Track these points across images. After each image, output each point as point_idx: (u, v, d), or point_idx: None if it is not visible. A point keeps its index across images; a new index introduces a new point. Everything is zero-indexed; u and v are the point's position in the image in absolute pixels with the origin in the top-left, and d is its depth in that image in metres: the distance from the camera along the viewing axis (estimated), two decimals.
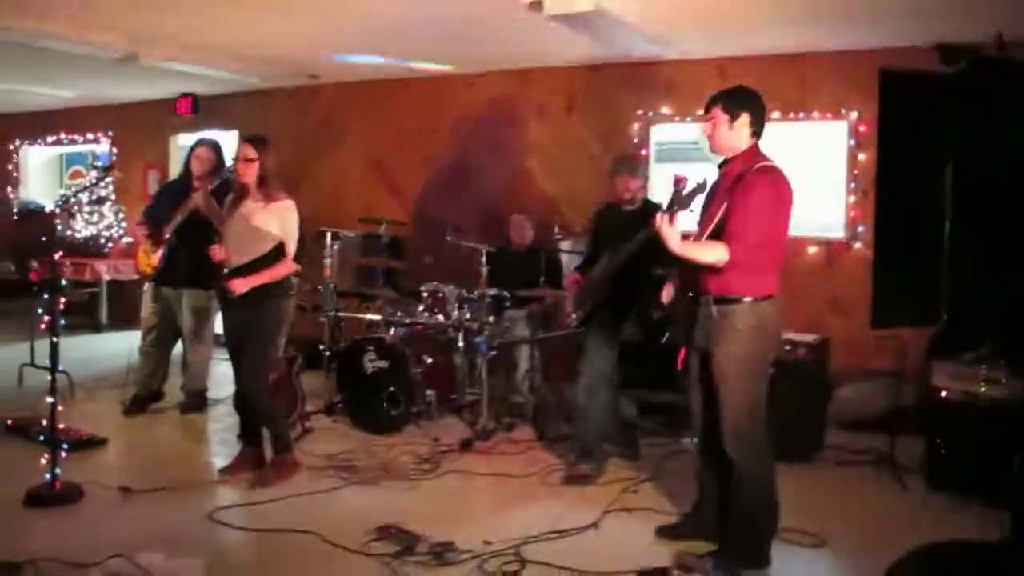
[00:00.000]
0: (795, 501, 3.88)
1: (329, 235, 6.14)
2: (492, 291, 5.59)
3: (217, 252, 4.58)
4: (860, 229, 6.11)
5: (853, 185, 6.13)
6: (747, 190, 3.51)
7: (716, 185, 3.74)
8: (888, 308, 3.31)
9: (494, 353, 5.73)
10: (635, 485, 4.76)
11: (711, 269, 3.57)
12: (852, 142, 6.13)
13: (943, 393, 4.74)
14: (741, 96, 3.69)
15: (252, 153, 4.49)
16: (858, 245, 6.13)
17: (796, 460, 5.04)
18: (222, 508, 4.26)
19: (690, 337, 3.80)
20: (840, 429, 5.55)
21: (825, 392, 5.37)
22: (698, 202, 3.74)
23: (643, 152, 6.85)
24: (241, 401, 4.84)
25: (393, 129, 8.03)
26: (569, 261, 6.23)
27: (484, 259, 5.46)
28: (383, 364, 5.57)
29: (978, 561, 2.58)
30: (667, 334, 5.36)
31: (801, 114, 6.29)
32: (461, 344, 5.77)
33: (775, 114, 6.34)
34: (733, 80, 6.34)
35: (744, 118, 3.63)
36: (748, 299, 3.55)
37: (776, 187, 3.56)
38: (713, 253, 3.50)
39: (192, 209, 5.33)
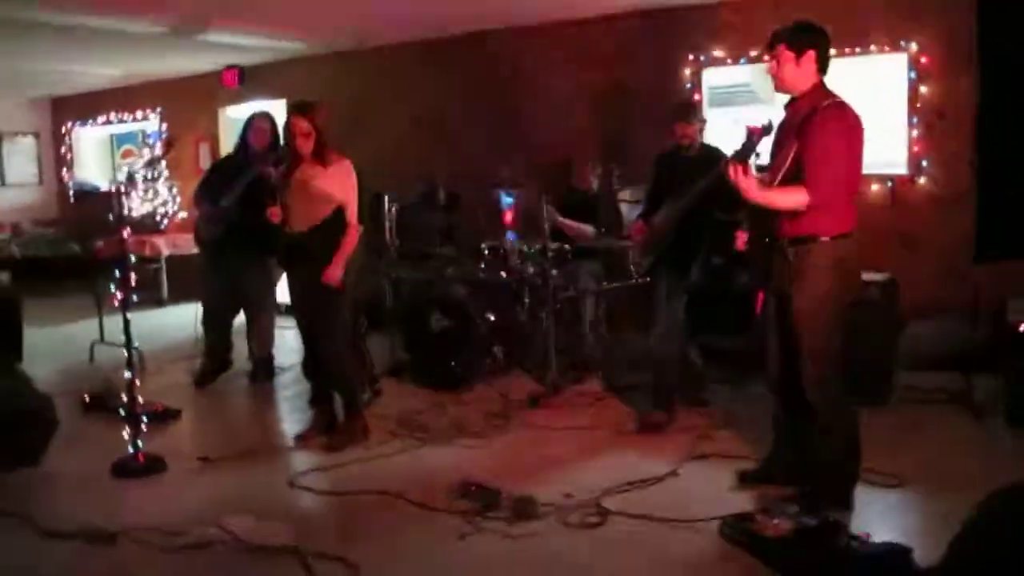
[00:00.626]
0: (870, 441, 3.78)
1: (386, 197, 6.14)
2: (554, 244, 5.54)
3: (276, 213, 4.60)
4: (924, 164, 5.94)
5: (915, 120, 5.94)
6: (818, 129, 3.42)
7: (783, 125, 3.66)
8: (992, 241, 3.19)
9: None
10: (708, 432, 4.75)
11: (788, 211, 3.51)
12: (912, 75, 5.94)
13: (1021, 328, 4.64)
14: (806, 32, 3.60)
15: (307, 126, 4.49)
16: (922, 180, 5.97)
17: (868, 400, 4.93)
18: (302, 473, 4.33)
19: (767, 280, 3.75)
20: (912, 368, 5.43)
21: (896, 330, 5.27)
22: (765, 144, 3.69)
23: (696, 97, 6.72)
24: (311, 366, 4.90)
25: (444, 87, 7.95)
26: (629, 210, 6.18)
27: (545, 212, 5.40)
28: (449, 322, 5.60)
29: None
30: (739, 279, 5.30)
31: (858, 49, 6.09)
32: (527, 299, 5.76)
33: (831, 50, 6.18)
34: (787, 18, 6.24)
35: (810, 55, 3.54)
36: (825, 238, 3.48)
37: (846, 122, 3.48)
38: (794, 198, 3.44)
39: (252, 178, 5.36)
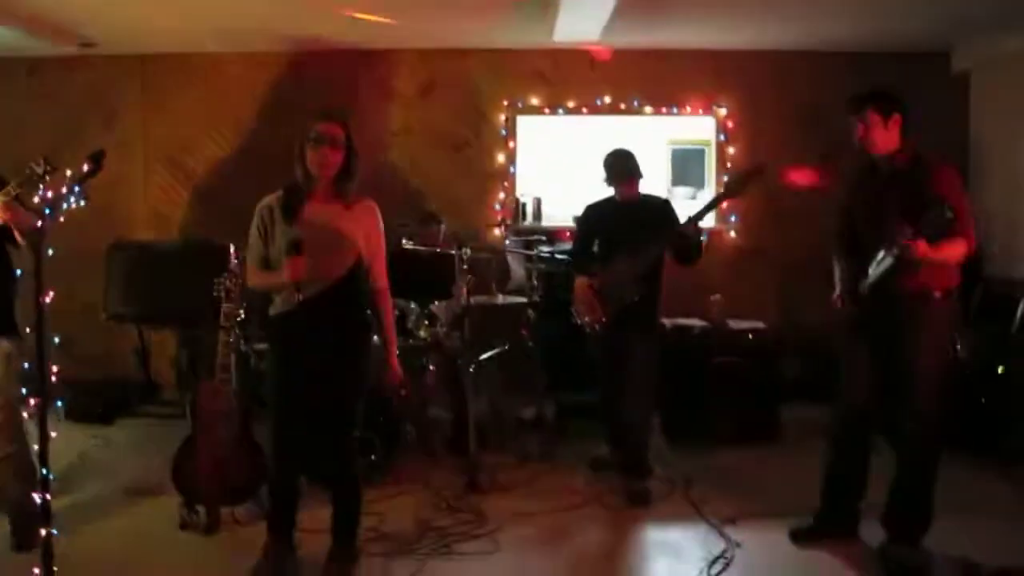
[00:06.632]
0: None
1: None
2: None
3: (301, 265, 3.22)
4: (733, 219, 6.45)
5: (725, 178, 6.43)
6: (947, 181, 3.52)
7: (877, 178, 3.71)
8: None
9: None
10: (684, 493, 4.54)
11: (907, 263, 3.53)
12: (721, 137, 6.44)
13: None
14: (891, 97, 3.69)
15: (342, 136, 3.33)
16: (732, 234, 6.48)
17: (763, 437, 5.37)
18: None
19: (867, 333, 3.71)
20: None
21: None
22: None
23: (511, 144, 6.44)
24: (286, 479, 3.54)
25: (197, 116, 6.48)
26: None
27: (465, 265, 4.69)
28: None
29: None
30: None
31: (674, 109, 6.42)
32: (432, 366, 4.89)
33: (647, 108, 6.43)
34: (605, 72, 6.33)
35: (896, 118, 3.66)
36: (938, 292, 3.57)
37: (961, 175, 3.64)
38: (959, 251, 3.47)
39: None
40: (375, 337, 3.59)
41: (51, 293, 2.72)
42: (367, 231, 3.43)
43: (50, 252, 2.70)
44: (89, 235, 5.75)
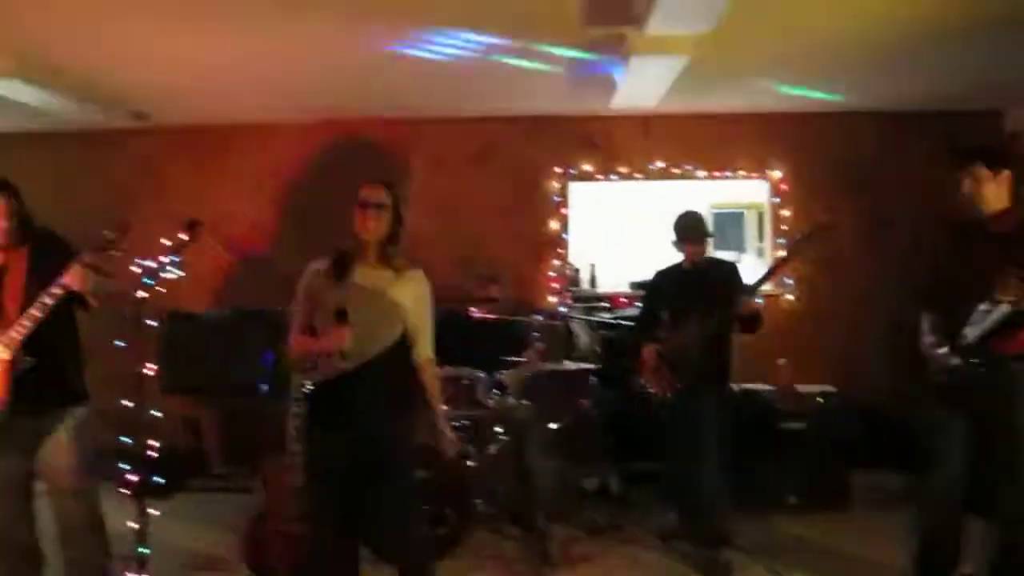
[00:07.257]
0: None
1: None
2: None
3: (343, 337, 3.16)
4: (787, 282, 6.38)
5: (780, 240, 6.38)
6: None
7: (984, 234, 3.63)
8: None
9: None
10: (772, 565, 4.36)
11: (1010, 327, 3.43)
12: (775, 200, 6.42)
13: None
14: (1001, 153, 3.65)
15: (384, 196, 3.29)
16: (788, 297, 6.40)
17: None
18: None
19: (956, 395, 3.60)
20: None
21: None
22: None
23: (563, 211, 6.43)
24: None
25: (247, 185, 6.53)
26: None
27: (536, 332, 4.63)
28: (422, 475, 4.40)
29: None
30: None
31: (728, 172, 6.41)
32: (505, 436, 4.79)
33: (700, 173, 6.42)
34: (657, 137, 6.34)
35: (1006, 174, 3.60)
36: None
37: None
38: None
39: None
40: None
41: (152, 367, 2.65)
42: (415, 301, 3.37)
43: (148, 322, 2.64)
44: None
